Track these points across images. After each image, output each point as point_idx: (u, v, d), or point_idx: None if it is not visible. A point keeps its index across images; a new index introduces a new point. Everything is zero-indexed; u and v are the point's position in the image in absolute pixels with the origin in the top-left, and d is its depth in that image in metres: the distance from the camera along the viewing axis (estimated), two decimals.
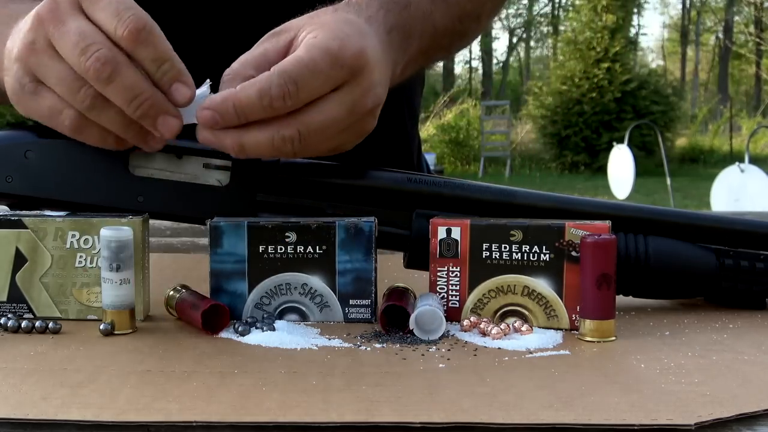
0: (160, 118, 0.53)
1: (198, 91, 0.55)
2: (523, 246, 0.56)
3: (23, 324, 0.54)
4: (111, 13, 0.52)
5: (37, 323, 0.54)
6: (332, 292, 0.57)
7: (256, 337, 0.53)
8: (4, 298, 0.57)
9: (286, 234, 0.56)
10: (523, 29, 28.28)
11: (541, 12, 27.89)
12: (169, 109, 0.53)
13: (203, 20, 0.89)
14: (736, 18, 25.58)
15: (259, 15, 0.86)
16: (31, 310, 0.57)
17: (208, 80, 0.56)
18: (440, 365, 0.47)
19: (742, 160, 4.93)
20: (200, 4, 0.88)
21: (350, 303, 0.57)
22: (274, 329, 0.54)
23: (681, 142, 13.80)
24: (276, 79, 0.52)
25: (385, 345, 0.52)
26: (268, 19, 0.67)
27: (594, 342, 0.52)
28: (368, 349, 0.51)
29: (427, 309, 0.53)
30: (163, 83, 0.53)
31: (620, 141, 6.53)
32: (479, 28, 0.80)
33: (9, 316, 0.56)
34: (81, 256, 0.57)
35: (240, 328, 0.54)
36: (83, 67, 0.52)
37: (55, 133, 0.59)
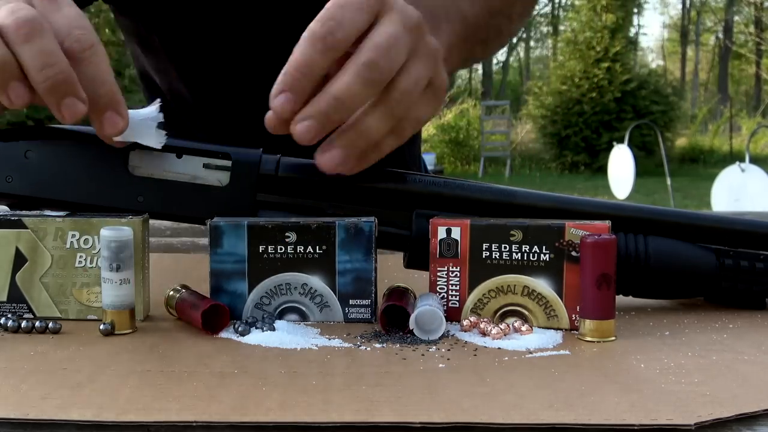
0: (68, 99, 0.50)
1: (145, 111, 0.55)
2: (523, 246, 0.56)
3: (23, 324, 0.54)
4: (64, 24, 0.52)
5: (37, 323, 0.54)
6: (332, 292, 0.57)
7: (256, 337, 0.53)
8: (4, 298, 0.57)
9: (286, 234, 0.56)
10: (523, 29, 28.28)
11: (541, 12, 27.87)
12: (78, 93, 0.51)
13: (229, 28, 0.90)
14: (736, 18, 25.58)
15: (284, 23, 0.87)
16: (31, 310, 0.57)
17: (158, 99, 0.57)
18: (440, 365, 0.47)
19: (742, 160, 4.93)
20: (227, 16, 0.89)
21: (350, 303, 0.57)
22: (274, 329, 0.54)
23: (681, 142, 13.81)
24: (313, 24, 0.50)
25: (385, 345, 0.52)
26: (293, 26, 0.67)
27: (594, 342, 0.52)
28: (368, 349, 0.51)
29: (427, 309, 0.53)
30: (98, 106, 0.52)
31: (620, 141, 6.53)
32: (512, 28, 0.80)
33: (9, 316, 0.56)
34: (81, 256, 0.57)
35: (240, 328, 0.54)
36: (7, 22, 0.50)
37: (55, 133, 0.59)
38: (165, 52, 0.95)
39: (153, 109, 0.57)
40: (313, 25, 0.50)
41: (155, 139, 0.58)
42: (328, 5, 0.51)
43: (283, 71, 0.50)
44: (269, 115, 0.52)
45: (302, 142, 0.52)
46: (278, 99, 0.51)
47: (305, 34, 0.50)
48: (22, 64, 0.50)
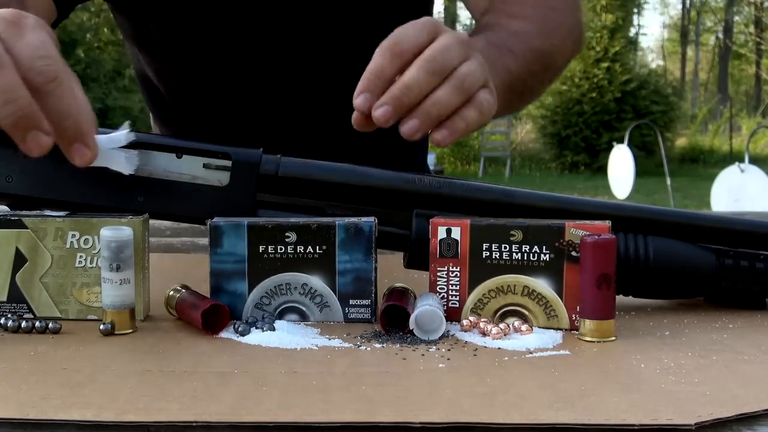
0: (31, 133, 0.49)
1: (115, 135, 0.55)
2: (523, 246, 0.56)
3: (23, 324, 0.54)
4: (27, 54, 0.50)
5: (37, 323, 0.54)
6: (332, 292, 0.57)
7: (256, 337, 0.53)
8: (4, 298, 0.57)
9: (286, 234, 0.56)
10: None
11: None
12: (41, 126, 0.50)
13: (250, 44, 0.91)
14: (736, 18, 25.58)
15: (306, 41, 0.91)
16: (31, 310, 0.57)
17: (127, 122, 0.57)
18: (440, 365, 0.47)
19: (742, 160, 4.93)
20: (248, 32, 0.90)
21: (350, 303, 0.57)
22: (274, 329, 0.54)
23: (681, 142, 13.81)
24: (384, 41, 0.60)
25: (385, 345, 0.52)
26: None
27: (594, 342, 0.52)
28: (368, 349, 0.51)
29: (427, 309, 0.53)
30: (64, 138, 0.52)
31: (620, 141, 6.53)
32: (539, 90, 0.91)
33: (9, 316, 0.56)
34: (81, 256, 0.57)
35: (240, 328, 0.54)
36: None
37: None
38: (163, 52, 0.95)
39: (122, 134, 0.56)
40: (384, 42, 0.60)
41: (126, 165, 0.57)
42: (395, 30, 0.61)
43: (362, 78, 0.59)
44: (354, 115, 0.59)
45: (381, 124, 0.59)
46: (359, 99, 0.59)
47: (378, 49, 0.59)
48: None
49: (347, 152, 0.70)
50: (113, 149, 0.56)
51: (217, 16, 0.90)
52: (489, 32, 0.81)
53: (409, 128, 0.59)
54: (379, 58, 0.59)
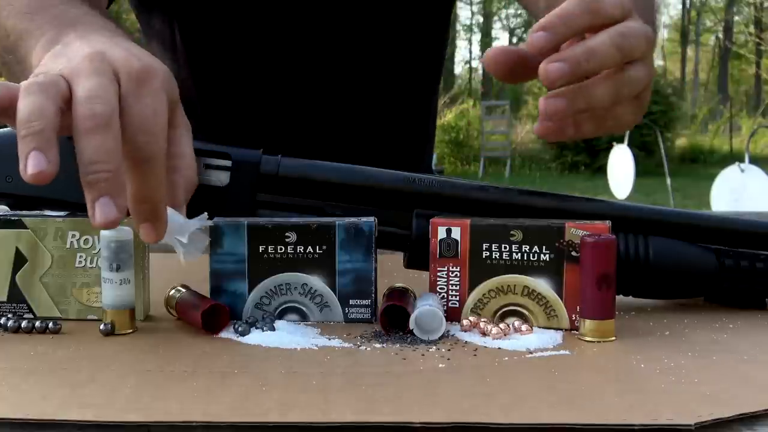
0: (104, 199, 0.47)
1: (191, 221, 0.53)
2: (523, 246, 0.56)
3: (23, 324, 0.54)
4: (137, 120, 0.49)
5: (37, 323, 0.54)
6: (332, 292, 0.57)
7: (256, 337, 0.53)
8: (4, 298, 0.57)
9: (286, 234, 0.56)
10: (523, 29, 28.26)
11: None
12: (118, 198, 0.47)
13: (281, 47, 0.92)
14: (736, 18, 25.59)
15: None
16: (31, 310, 0.57)
17: (205, 213, 0.55)
18: (440, 365, 0.47)
19: (742, 160, 4.93)
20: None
21: (350, 303, 0.57)
22: (274, 329, 0.54)
23: (681, 142, 13.80)
24: None
25: (385, 345, 0.52)
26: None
27: (594, 342, 0.52)
28: (368, 349, 0.51)
29: (427, 309, 0.53)
30: (138, 216, 0.51)
31: (620, 141, 6.52)
32: None
33: (9, 316, 0.56)
34: (81, 256, 0.57)
35: (240, 328, 0.54)
36: (83, 109, 0.47)
37: None
38: (184, 52, 0.95)
39: (198, 221, 0.54)
40: None
41: (185, 252, 0.54)
42: None
43: (546, 16, 0.54)
44: (523, 49, 0.54)
45: (548, 80, 0.53)
46: (537, 34, 0.53)
47: None
48: (77, 152, 0.47)
49: (355, 155, 0.70)
50: (182, 234, 0.53)
51: (238, 16, 0.91)
52: None
53: (555, 71, 0.53)
54: (572, 4, 0.54)
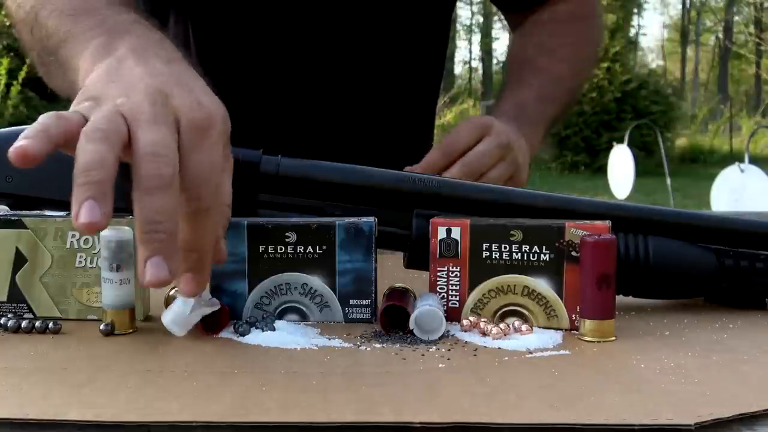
0: (156, 258, 0.45)
1: (195, 313, 0.52)
2: (523, 246, 0.56)
3: (23, 324, 0.54)
4: (197, 175, 0.48)
5: (37, 323, 0.54)
6: (332, 292, 0.57)
7: (256, 337, 0.53)
8: (4, 298, 0.57)
9: (286, 234, 0.56)
10: None
11: None
12: (171, 261, 0.45)
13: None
14: (736, 18, 25.59)
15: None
16: (31, 310, 0.57)
17: (215, 299, 0.54)
18: (440, 365, 0.47)
19: (742, 160, 4.93)
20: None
21: (350, 303, 0.57)
22: (274, 329, 0.54)
23: (681, 142, 13.79)
24: (443, 140, 0.83)
25: (385, 345, 0.52)
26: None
27: (594, 342, 0.52)
28: (368, 349, 0.51)
29: (427, 309, 0.53)
30: (184, 266, 0.49)
31: (620, 141, 6.52)
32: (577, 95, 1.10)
33: (9, 316, 0.56)
34: (81, 256, 0.57)
35: (240, 328, 0.54)
36: (149, 167, 0.45)
37: None
38: (196, 52, 0.95)
39: (199, 313, 0.53)
40: (443, 139, 0.81)
41: (178, 327, 0.53)
42: (453, 129, 0.83)
43: (416, 166, 0.79)
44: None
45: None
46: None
47: (435, 146, 0.82)
48: (135, 206, 0.45)
49: (356, 155, 0.70)
50: (180, 326, 0.52)
51: (249, 18, 0.92)
52: (535, 81, 0.98)
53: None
54: (434, 153, 0.80)
